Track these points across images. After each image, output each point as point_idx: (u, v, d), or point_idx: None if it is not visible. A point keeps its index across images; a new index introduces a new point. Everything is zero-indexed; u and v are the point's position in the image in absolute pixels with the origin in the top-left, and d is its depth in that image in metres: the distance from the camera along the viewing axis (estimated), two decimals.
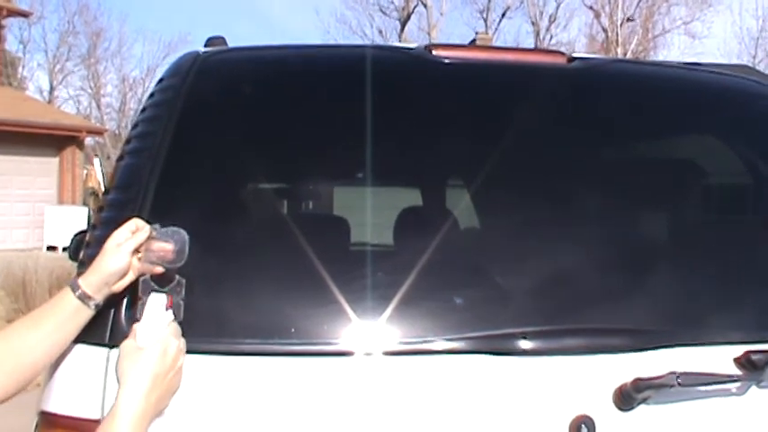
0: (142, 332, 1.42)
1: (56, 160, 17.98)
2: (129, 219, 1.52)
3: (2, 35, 20.46)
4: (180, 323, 1.47)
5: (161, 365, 1.40)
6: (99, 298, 1.47)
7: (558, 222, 1.80)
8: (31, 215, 17.01)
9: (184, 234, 1.48)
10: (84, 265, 1.64)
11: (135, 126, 1.84)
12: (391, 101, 1.91)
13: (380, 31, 31.34)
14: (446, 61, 1.96)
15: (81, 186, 19.56)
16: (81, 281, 1.47)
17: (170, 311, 1.46)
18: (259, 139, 1.85)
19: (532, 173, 1.85)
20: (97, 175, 22.87)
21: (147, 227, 1.50)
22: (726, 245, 1.87)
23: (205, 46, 2.17)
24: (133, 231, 1.49)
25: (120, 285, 1.49)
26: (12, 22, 24.07)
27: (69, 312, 1.45)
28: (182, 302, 1.49)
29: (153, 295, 1.46)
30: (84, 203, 19.20)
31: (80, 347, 1.50)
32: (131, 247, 1.47)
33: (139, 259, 1.49)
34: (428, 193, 2.61)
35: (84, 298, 1.45)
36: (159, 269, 1.49)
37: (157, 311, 1.45)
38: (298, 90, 1.92)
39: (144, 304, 1.45)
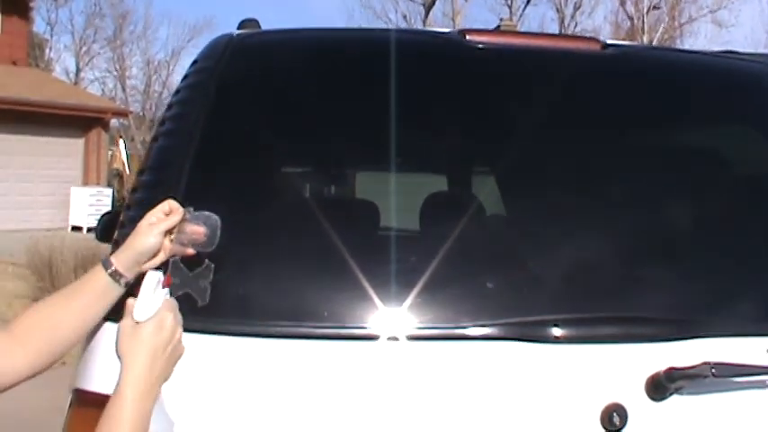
0: (138, 309, 1.43)
1: (81, 141, 18.11)
2: (163, 199, 1.52)
3: (30, 17, 20.60)
4: (205, 306, 1.49)
5: (159, 339, 1.41)
6: (130, 276, 1.48)
7: (592, 210, 1.79)
8: (57, 195, 17.16)
9: (217, 219, 1.50)
10: (117, 245, 1.65)
11: (169, 107, 1.85)
12: (425, 85, 1.90)
13: (405, 17, 31.19)
14: (480, 46, 1.95)
15: (106, 167, 19.68)
16: (113, 258, 1.48)
17: (166, 290, 1.48)
18: (293, 123, 1.84)
19: (566, 159, 1.84)
20: (122, 156, 23.01)
21: (181, 209, 1.51)
22: (763, 234, 1.85)
23: (238, 28, 2.17)
24: (166, 212, 1.50)
25: (151, 265, 1.50)
26: (39, 3, 24.29)
27: (101, 289, 1.47)
28: (209, 286, 1.51)
29: (149, 273, 1.47)
30: (109, 185, 19.35)
31: (108, 325, 1.50)
32: (164, 227, 1.49)
33: (171, 240, 1.51)
34: (456, 180, 2.59)
35: (115, 275, 1.46)
36: (190, 251, 1.51)
37: (153, 289, 1.45)
38: (332, 74, 1.91)
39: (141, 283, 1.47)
